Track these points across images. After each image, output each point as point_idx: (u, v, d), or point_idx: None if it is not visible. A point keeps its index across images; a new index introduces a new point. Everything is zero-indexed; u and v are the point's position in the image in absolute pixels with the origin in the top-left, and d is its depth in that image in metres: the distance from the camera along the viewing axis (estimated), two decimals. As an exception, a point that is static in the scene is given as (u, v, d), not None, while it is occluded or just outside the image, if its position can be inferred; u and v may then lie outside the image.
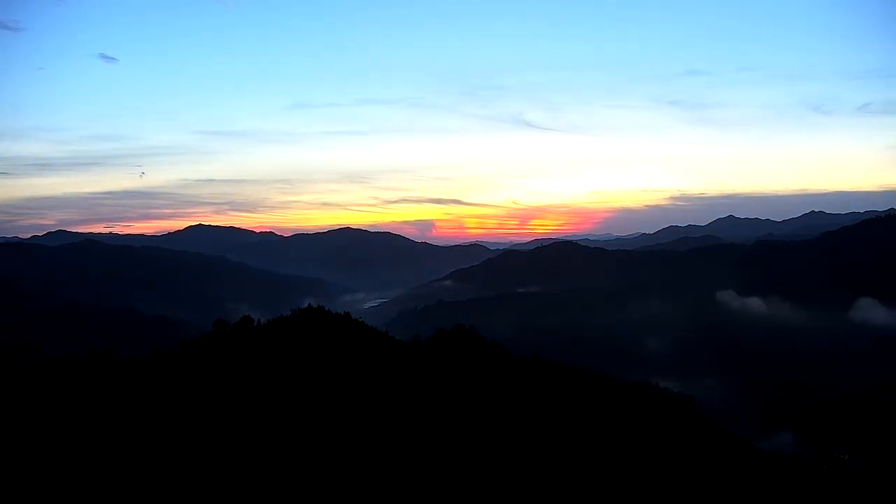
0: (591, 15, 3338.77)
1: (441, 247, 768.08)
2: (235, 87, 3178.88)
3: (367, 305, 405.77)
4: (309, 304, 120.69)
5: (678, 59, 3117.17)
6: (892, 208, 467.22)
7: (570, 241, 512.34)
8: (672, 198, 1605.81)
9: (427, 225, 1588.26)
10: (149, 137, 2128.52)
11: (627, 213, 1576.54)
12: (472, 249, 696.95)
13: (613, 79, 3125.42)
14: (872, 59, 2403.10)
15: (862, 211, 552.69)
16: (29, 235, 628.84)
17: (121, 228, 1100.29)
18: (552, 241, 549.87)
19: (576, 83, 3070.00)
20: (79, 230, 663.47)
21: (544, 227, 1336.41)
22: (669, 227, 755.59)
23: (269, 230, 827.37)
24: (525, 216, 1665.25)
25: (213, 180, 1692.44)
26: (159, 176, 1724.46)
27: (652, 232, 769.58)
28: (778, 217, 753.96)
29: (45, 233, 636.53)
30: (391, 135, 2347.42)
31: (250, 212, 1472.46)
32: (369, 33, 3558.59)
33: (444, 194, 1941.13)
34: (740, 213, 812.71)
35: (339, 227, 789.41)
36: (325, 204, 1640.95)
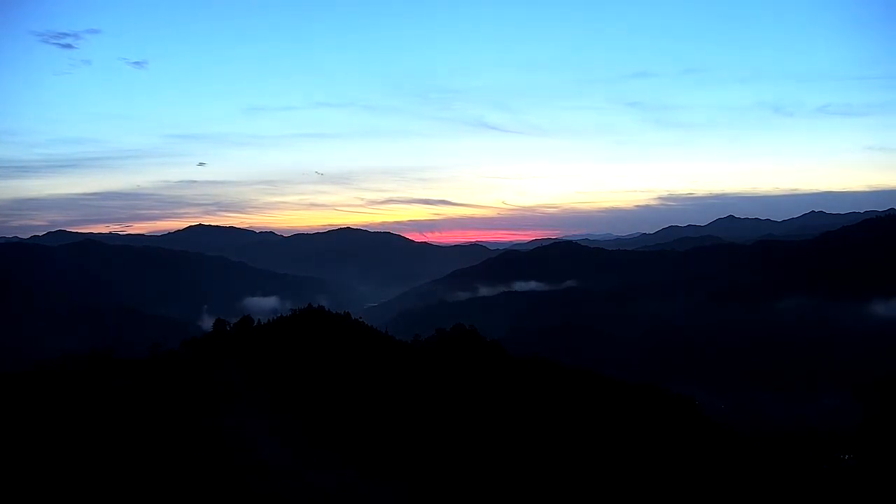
0: (533, 17, 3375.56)
1: (441, 247, 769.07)
2: (190, 90, 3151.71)
3: (367, 305, 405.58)
4: (309, 304, 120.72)
5: (623, 61, 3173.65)
6: (892, 208, 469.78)
7: (570, 242, 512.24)
8: (660, 198, 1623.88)
9: (426, 225, 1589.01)
10: (115, 141, 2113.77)
11: (619, 214, 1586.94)
12: (472, 250, 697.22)
13: (564, 81, 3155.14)
14: (818, 62, 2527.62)
15: (862, 211, 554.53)
16: (29, 235, 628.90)
17: (121, 228, 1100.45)
18: (552, 242, 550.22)
19: (529, 86, 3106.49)
20: (79, 230, 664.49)
21: (542, 229, 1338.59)
22: (669, 227, 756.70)
23: (268, 230, 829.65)
24: (517, 216, 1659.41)
25: (194, 181, 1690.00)
26: (139, 178, 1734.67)
27: (652, 232, 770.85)
28: (778, 217, 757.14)
29: (45, 233, 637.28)
30: (358, 137, 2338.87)
31: (239, 212, 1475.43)
32: (316, 36, 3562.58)
33: (432, 195, 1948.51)
34: (740, 214, 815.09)
35: (338, 227, 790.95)
36: (312, 204, 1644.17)
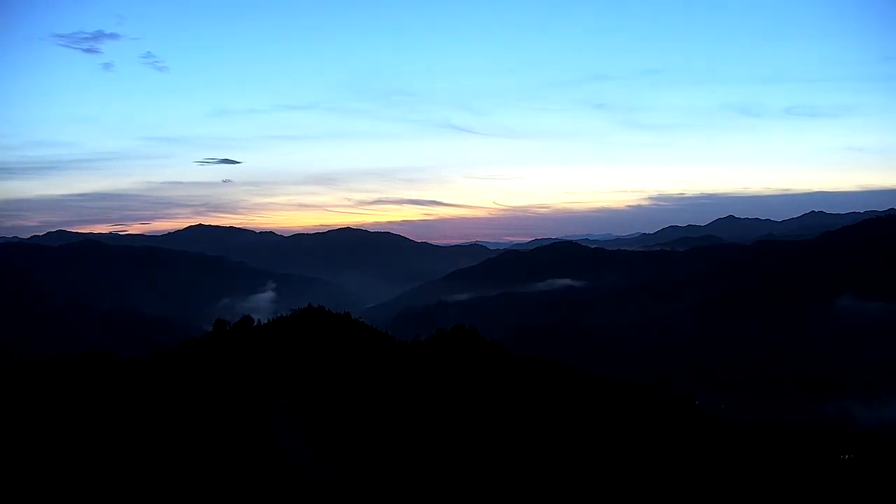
0: (488, 21, 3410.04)
1: (441, 247, 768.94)
2: (157, 94, 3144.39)
3: (367, 305, 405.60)
4: (309, 304, 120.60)
5: (579, 63, 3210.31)
6: (893, 208, 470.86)
7: (570, 241, 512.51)
8: (651, 198, 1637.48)
9: (421, 225, 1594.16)
10: (89, 143, 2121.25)
11: (614, 214, 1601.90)
12: (472, 249, 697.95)
13: (524, 83, 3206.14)
14: (776, 64, 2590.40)
15: (862, 211, 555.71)
16: (29, 235, 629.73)
17: (121, 229, 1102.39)
18: (552, 241, 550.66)
19: (490, 88, 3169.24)
20: (79, 230, 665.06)
21: (540, 229, 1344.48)
22: (669, 227, 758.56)
23: (268, 230, 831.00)
24: (511, 216, 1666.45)
25: (179, 182, 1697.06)
26: (123, 179, 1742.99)
27: (652, 232, 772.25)
28: (778, 217, 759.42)
29: (45, 233, 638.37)
30: (332, 139, 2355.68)
31: (231, 213, 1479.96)
32: (274, 38, 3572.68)
33: (421, 196, 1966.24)
34: (740, 213, 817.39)
35: (337, 227, 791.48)
36: (302, 205, 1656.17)
